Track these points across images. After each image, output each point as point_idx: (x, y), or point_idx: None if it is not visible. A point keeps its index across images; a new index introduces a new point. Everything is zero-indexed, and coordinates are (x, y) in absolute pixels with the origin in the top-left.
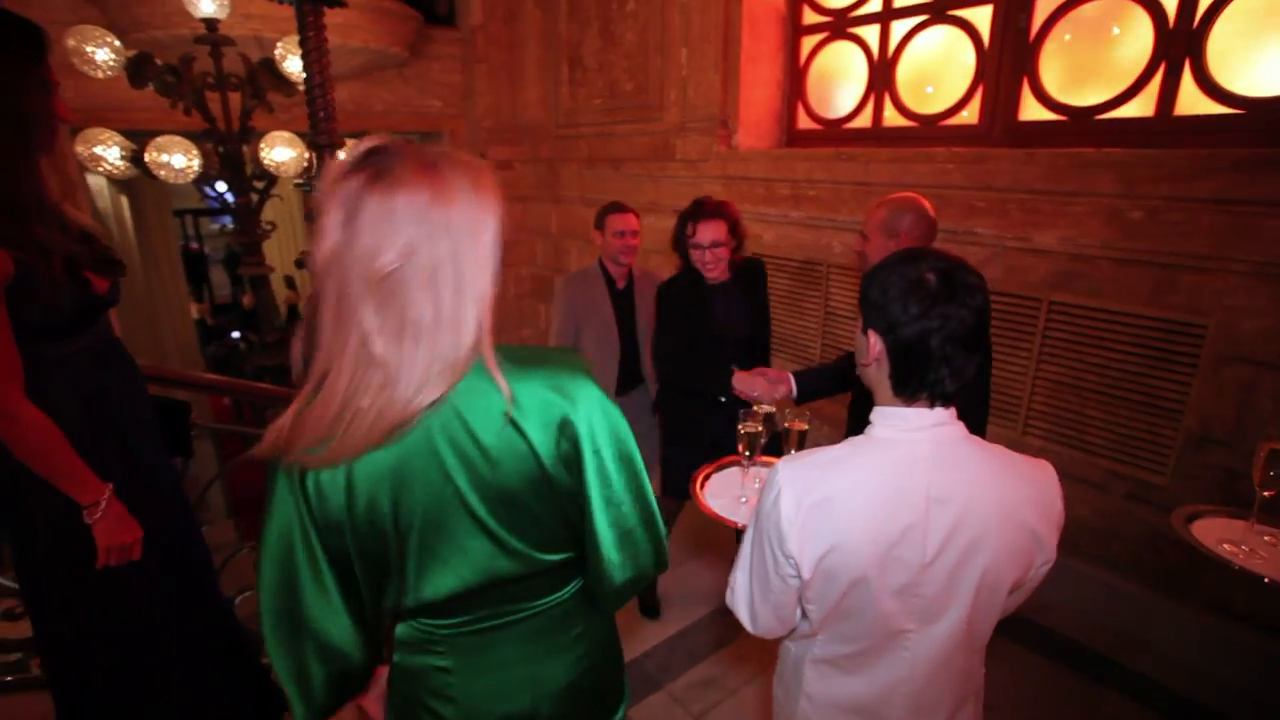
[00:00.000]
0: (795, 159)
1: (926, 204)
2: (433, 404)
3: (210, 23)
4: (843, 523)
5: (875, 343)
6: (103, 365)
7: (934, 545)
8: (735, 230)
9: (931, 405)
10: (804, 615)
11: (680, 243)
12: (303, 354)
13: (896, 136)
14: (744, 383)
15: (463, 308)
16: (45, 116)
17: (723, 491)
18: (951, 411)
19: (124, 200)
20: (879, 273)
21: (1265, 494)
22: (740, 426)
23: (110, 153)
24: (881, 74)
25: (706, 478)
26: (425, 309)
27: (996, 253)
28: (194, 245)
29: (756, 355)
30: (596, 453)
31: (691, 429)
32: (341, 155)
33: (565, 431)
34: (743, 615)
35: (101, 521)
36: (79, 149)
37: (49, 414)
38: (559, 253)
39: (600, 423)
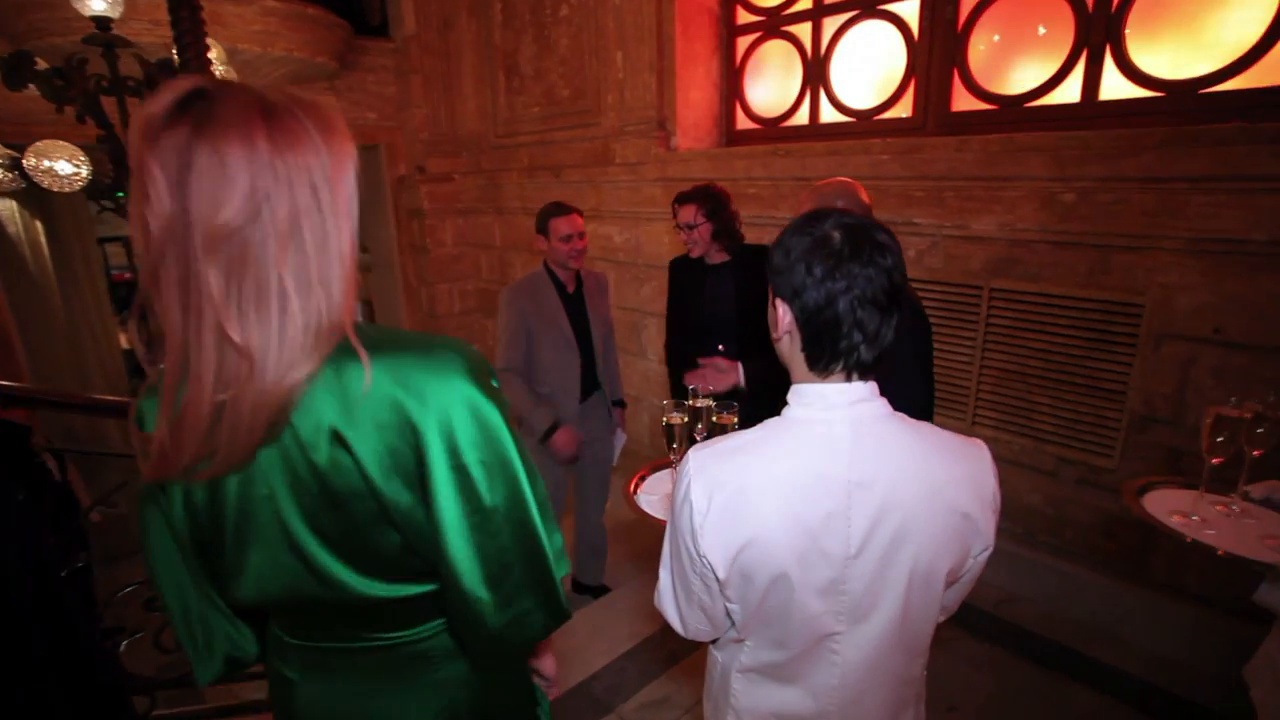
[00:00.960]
0: (734, 158)
1: (859, 188)
2: (307, 380)
3: (102, 21)
4: (757, 514)
5: (784, 313)
6: None
7: (858, 535)
8: (715, 214)
9: (849, 378)
10: (730, 621)
11: None
12: (139, 341)
13: (833, 133)
14: (694, 379)
15: (330, 267)
16: None
17: (656, 489)
18: (872, 386)
19: (38, 225)
20: (783, 236)
21: (1214, 461)
22: (665, 418)
23: None
24: (816, 70)
25: (642, 478)
26: (288, 270)
27: (936, 242)
28: (125, 274)
29: (749, 341)
30: (457, 466)
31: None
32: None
33: (406, 438)
34: (671, 618)
35: None
36: None
37: None
38: (504, 265)
39: (465, 427)
